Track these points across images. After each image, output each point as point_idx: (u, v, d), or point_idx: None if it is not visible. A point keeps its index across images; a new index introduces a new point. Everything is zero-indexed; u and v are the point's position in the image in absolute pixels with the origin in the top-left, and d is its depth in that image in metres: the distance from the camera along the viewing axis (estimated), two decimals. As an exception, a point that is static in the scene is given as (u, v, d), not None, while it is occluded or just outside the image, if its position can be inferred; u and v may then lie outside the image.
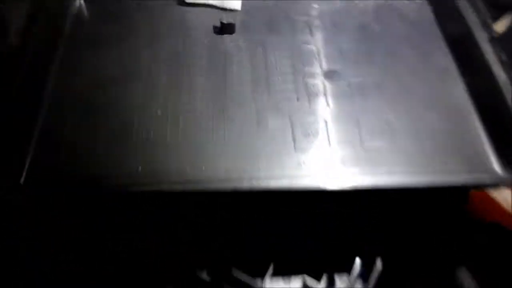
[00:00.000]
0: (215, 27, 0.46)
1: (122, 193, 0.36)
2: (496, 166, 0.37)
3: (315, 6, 0.50)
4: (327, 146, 0.39)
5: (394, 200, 0.40)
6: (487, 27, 0.43)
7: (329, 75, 0.44)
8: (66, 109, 0.39)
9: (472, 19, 0.44)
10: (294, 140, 0.39)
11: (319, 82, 0.43)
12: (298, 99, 0.41)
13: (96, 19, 0.47)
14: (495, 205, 0.55)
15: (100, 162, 0.36)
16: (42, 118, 0.39)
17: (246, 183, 0.35)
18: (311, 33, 0.47)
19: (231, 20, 0.45)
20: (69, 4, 0.47)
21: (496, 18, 0.48)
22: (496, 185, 0.36)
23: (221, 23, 0.45)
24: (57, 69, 0.42)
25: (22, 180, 0.35)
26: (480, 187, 0.36)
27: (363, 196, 0.38)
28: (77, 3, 0.48)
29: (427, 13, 0.49)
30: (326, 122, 0.40)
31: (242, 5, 0.49)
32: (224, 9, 0.48)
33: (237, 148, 0.38)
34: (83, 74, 0.42)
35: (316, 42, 0.46)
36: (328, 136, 0.39)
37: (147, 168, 0.36)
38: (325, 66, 0.44)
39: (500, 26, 0.47)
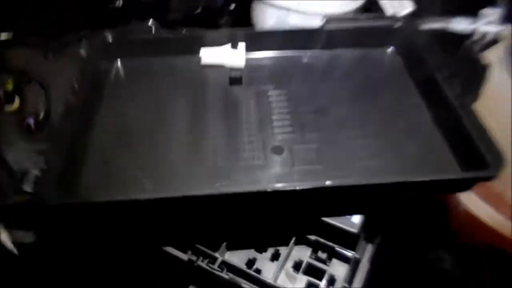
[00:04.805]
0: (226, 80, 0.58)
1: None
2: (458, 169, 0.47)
3: (305, 60, 0.61)
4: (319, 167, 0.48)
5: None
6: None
7: (320, 111, 0.54)
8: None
9: (433, 63, 0.55)
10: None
11: (311, 117, 0.53)
12: (293, 132, 0.51)
13: (130, 76, 0.60)
14: (482, 226, 0.61)
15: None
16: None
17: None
18: (305, 80, 0.58)
19: (238, 75, 0.57)
20: (109, 66, 0.60)
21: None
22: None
23: (230, 77, 0.57)
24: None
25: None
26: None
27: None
28: (115, 65, 0.60)
29: (398, 61, 0.61)
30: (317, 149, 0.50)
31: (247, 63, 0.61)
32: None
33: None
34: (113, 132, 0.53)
35: (309, 88, 0.57)
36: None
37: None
38: (317, 105, 0.55)
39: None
